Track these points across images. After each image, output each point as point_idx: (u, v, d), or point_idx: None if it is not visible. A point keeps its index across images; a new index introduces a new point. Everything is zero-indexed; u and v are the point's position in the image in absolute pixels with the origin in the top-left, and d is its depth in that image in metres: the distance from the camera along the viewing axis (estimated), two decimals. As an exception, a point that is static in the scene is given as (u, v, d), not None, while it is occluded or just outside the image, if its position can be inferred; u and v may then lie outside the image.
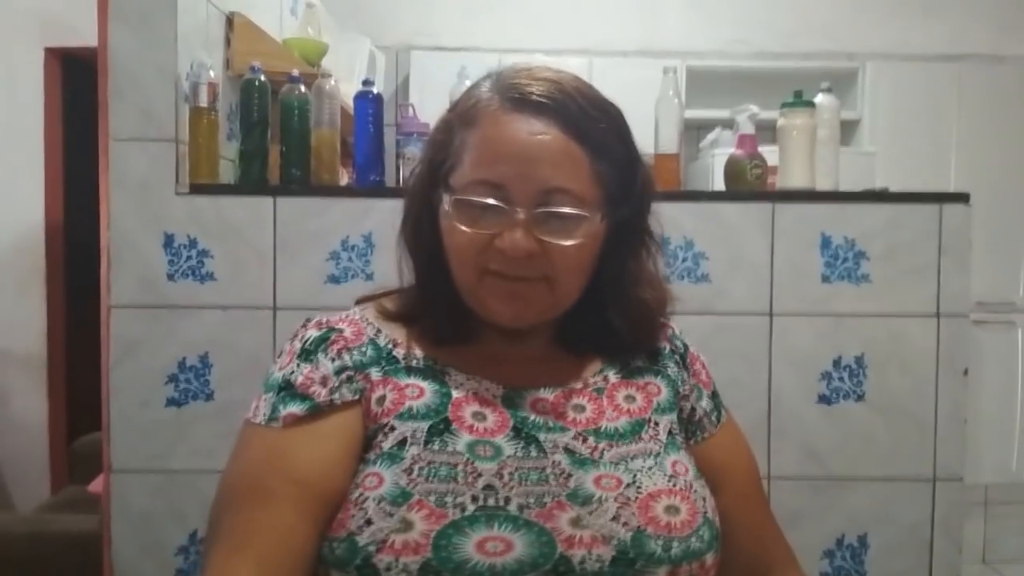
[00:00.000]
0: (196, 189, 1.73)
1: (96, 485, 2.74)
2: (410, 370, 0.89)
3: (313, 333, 0.91)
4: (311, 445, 0.84)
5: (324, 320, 0.93)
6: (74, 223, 3.47)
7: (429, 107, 1.84)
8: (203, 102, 1.74)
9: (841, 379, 1.76)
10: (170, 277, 1.73)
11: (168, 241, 1.73)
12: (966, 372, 1.77)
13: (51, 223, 3.42)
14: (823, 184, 1.85)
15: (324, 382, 0.87)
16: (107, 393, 1.73)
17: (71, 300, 3.47)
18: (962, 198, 1.77)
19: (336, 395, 0.86)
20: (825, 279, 1.76)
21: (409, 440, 0.84)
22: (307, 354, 0.89)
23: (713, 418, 0.96)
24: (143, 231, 1.72)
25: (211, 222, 1.73)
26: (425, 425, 0.85)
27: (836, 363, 1.76)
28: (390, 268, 0.96)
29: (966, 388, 1.78)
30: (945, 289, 1.76)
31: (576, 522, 0.80)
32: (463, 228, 0.85)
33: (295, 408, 0.85)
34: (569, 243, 0.85)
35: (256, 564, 0.78)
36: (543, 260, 0.85)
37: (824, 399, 1.76)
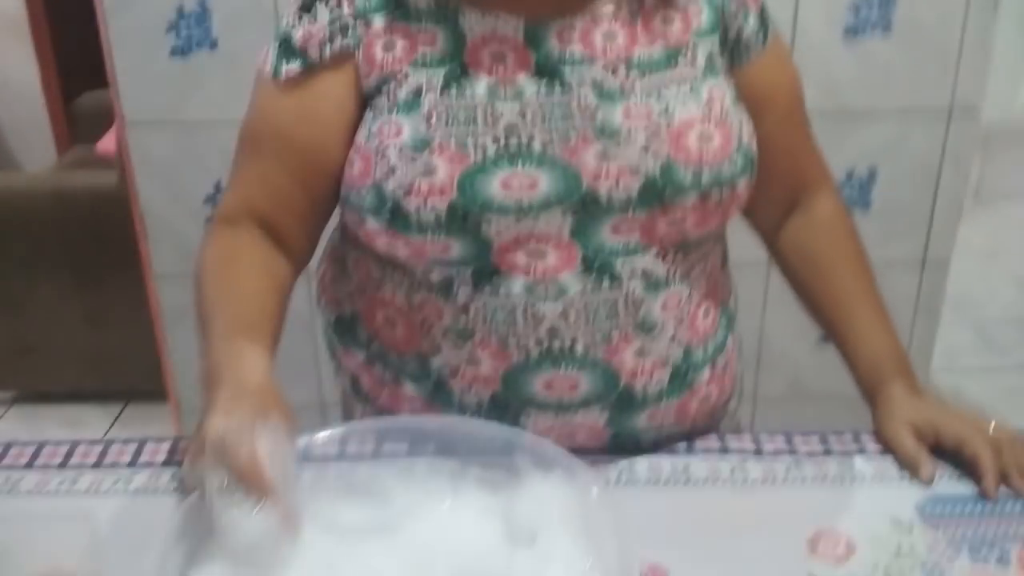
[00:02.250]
0: None
1: (105, 144, 2.75)
2: (421, 13, 0.84)
3: None
4: (302, 104, 0.84)
5: None
6: None
7: None
8: None
9: (869, 8, 1.69)
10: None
11: None
12: (997, -1, 1.70)
13: None
14: None
15: (319, 36, 0.83)
16: (109, 47, 1.67)
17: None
18: None
19: (328, 49, 0.83)
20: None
21: (425, 88, 0.82)
22: (307, 6, 0.85)
23: (759, 39, 0.92)
24: None
25: None
26: (440, 72, 0.82)
27: (866, -11, 1.68)
28: None
29: (996, 17, 1.72)
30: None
31: (602, 156, 0.80)
32: None
33: (291, 65, 0.84)
34: None
35: (246, 211, 0.86)
36: None
37: (850, 31, 1.71)
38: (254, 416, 0.69)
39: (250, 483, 0.66)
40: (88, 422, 2.33)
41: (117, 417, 2.41)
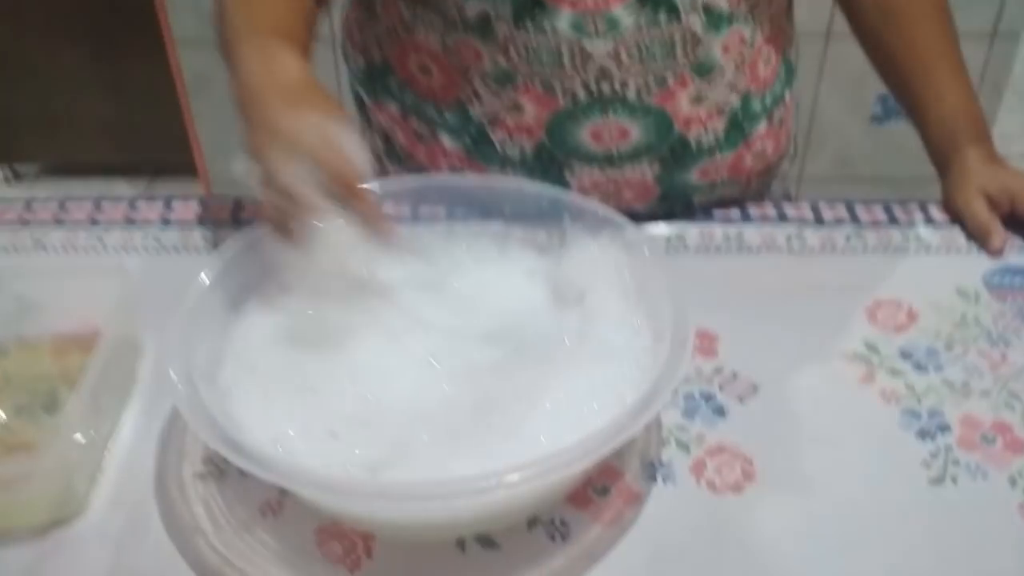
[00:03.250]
0: None
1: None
2: None
3: None
4: None
5: None
6: None
7: None
8: None
9: None
10: None
11: None
12: None
13: None
14: None
15: None
16: None
17: None
18: None
19: None
20: None
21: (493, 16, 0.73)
22: None
23: None
24: None
25: None
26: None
27: None
28: None
29: None
30: None
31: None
32: None
33: None
34: None
35: None
36: None
37: None
38: (322, 113, 0.61)
39: (343, 182, 0.58)
40: (117, 194, 2.32)
41: (145, 190, 2.39)
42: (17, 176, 2.47)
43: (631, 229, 0.68)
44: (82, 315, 0.70)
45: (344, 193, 0.59)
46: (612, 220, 0.68)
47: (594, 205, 0.70)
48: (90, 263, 0.81)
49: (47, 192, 2.41)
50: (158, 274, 0.80)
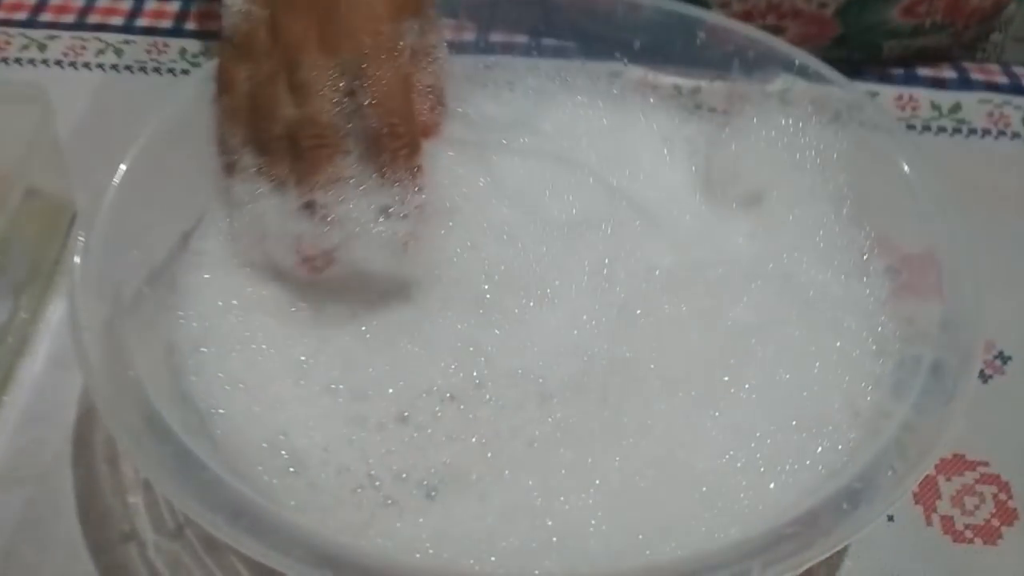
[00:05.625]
0: None
1: None
2: None
3: None
4: None
5: None
6: None
7: None
8: None
9: None
10: None
11: None
12: None
13: None
14: None
15: None
16: None
17: None
18: None
19: None
20: None
21: None
22: None
23: None
24: None
25: None
26: None
27: None
28: None
29: None
30: None
31: None
32: None
33: None
34: None
35: None
36: None
37: None
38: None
39: (398, 146, 0.37)
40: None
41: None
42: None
43: (849, 90, 0.42)
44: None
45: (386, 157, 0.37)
46: (816, 72, 0.43)
47: (780, 44, 0.44)
48: (13, 82, 0.57)
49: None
50: (114, 103, 0.56)
